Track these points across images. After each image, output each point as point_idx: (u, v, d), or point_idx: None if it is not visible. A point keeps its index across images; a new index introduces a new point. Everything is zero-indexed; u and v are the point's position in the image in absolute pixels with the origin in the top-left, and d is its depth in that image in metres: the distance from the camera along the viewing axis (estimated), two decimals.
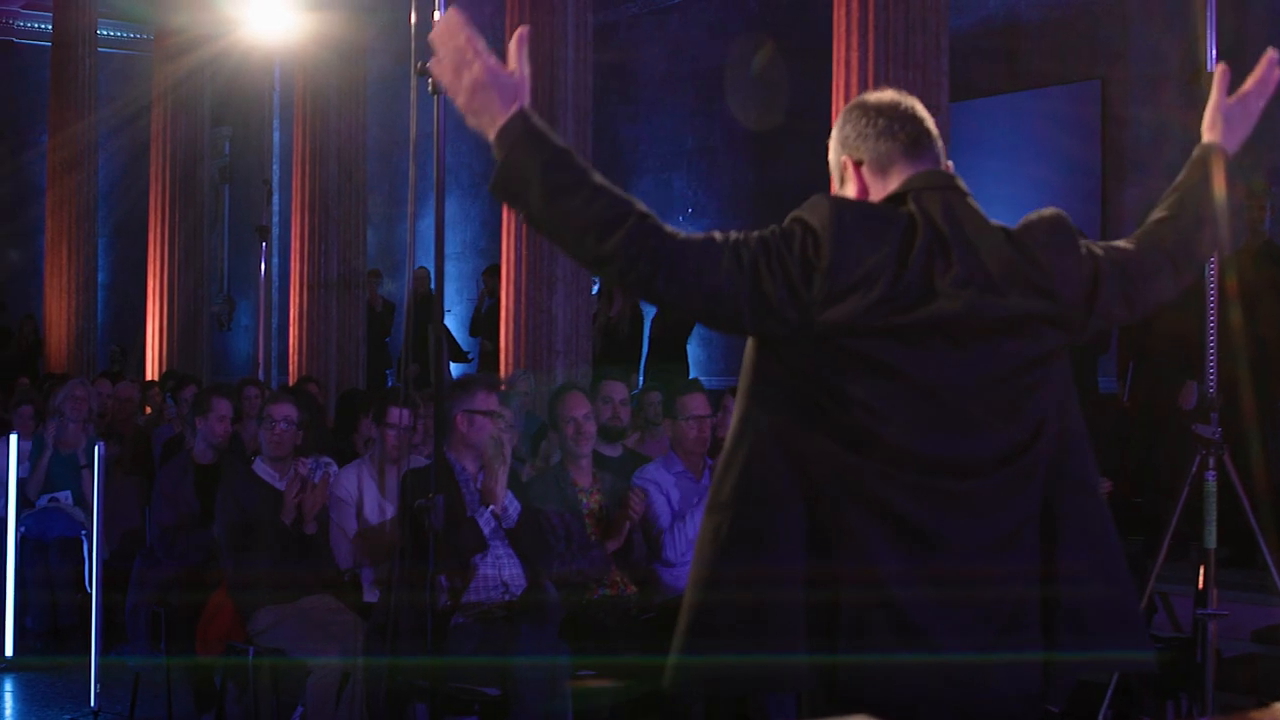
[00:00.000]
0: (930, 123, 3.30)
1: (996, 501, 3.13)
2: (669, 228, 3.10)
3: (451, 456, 6.69)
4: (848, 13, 9.92)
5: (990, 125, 13.16)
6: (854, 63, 9.86)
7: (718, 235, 3.12)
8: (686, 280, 3.05)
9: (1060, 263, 3.23)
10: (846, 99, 9.85)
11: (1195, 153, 3.63)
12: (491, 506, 6.57)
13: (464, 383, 6.92)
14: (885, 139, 3.26)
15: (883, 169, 3.26)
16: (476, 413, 6.69)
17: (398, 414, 7.43)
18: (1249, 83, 3.64)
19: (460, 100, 3.09)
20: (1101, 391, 11.21)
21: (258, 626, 7.09)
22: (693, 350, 15.53)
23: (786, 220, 3.11)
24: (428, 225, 20.05)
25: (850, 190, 3.29)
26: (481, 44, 3.06)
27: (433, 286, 18.22)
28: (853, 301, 3.02)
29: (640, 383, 14.62)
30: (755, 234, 3.10)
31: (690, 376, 15.00)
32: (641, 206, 3.09)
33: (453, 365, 17.50)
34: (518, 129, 3.08)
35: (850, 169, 3.30)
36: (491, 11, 15.95)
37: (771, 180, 15.36)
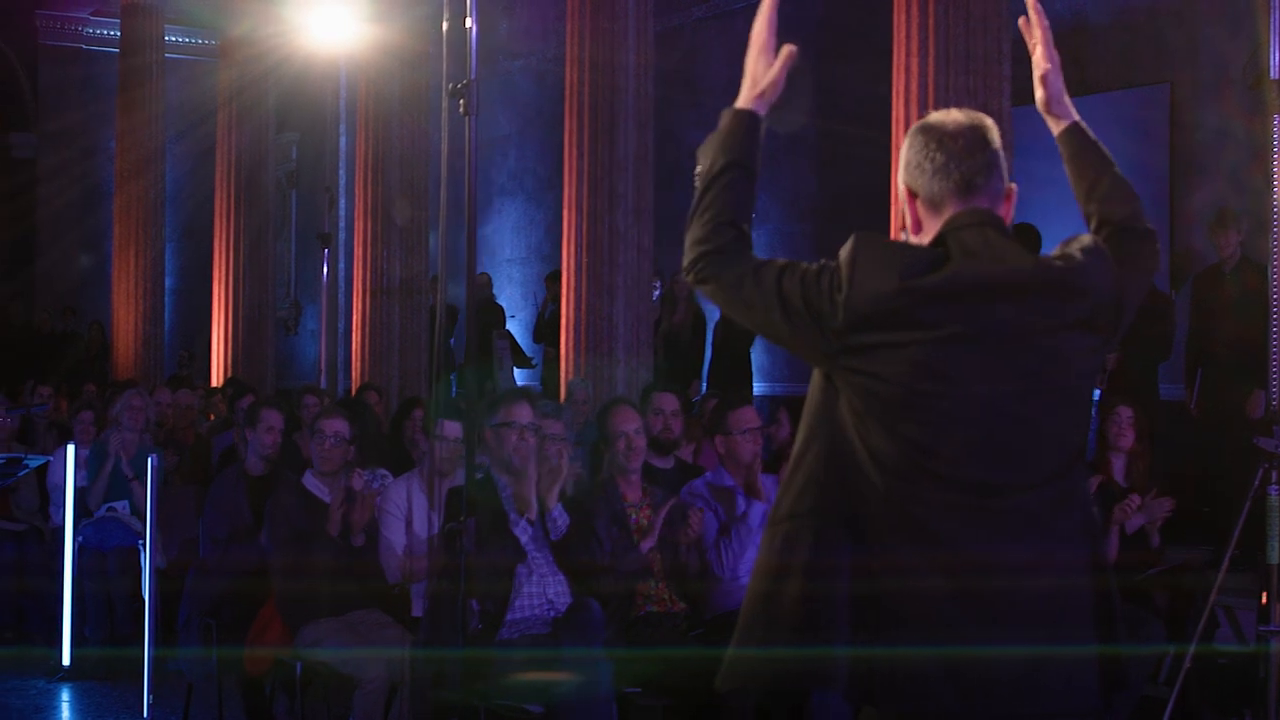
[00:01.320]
0: (994, 148, 3.33)
1: (1038, 516, 3.24)
2: (752, 255, 3.37)
3: (494, 472, 6.66)
4: (908, 17, 9.79)
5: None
6: (914, 68, 9.73)
7: (777, 260, 3.34)
8: (729, 289, 3.34)
9: (1089, 261, 3.32)
10: (907, 103, 9.74)
11: (1067, 146, 3.76)
12: (527, 514, 6.51)
13: (496, 397, 6.88)
14: (939, 178, 3.31)
15: (935, 207, 3.33)
16: (501, 426, 6.64)
17: (450, 427, 7.40)
18: (1031, 38, 3.75)
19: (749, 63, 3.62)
20: (1162, 398, 11.04)
21: (306, 640, 7.06)
22: (756, 357, 15.42)
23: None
24: (493, 230, 20.06)
25: (908, 218, 3.39)
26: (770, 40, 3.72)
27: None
28: (876, 327, 3.19)
29: (704, 389, 14.56)
30: (802, 264, 3.31)
31: (753, 384, 14.92)
32: (747, 231, 3.42)
33: (516, 372, 17.48)
34: (740, 118, 3.56)
35: (907, 200, 3.38)
36: (554, 16, 15.97)
37: (834, 186, 15.24)
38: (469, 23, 5.41)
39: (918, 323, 3.17)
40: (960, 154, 3.30)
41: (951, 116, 3.37)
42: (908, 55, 9.77)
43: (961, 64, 9.60)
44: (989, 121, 3.38)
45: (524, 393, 7.03)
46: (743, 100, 3.58)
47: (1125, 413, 8.35)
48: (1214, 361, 10.72)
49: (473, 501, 5.72)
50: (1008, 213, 3.36)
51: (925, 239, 3.32)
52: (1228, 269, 10.45)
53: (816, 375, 3.35)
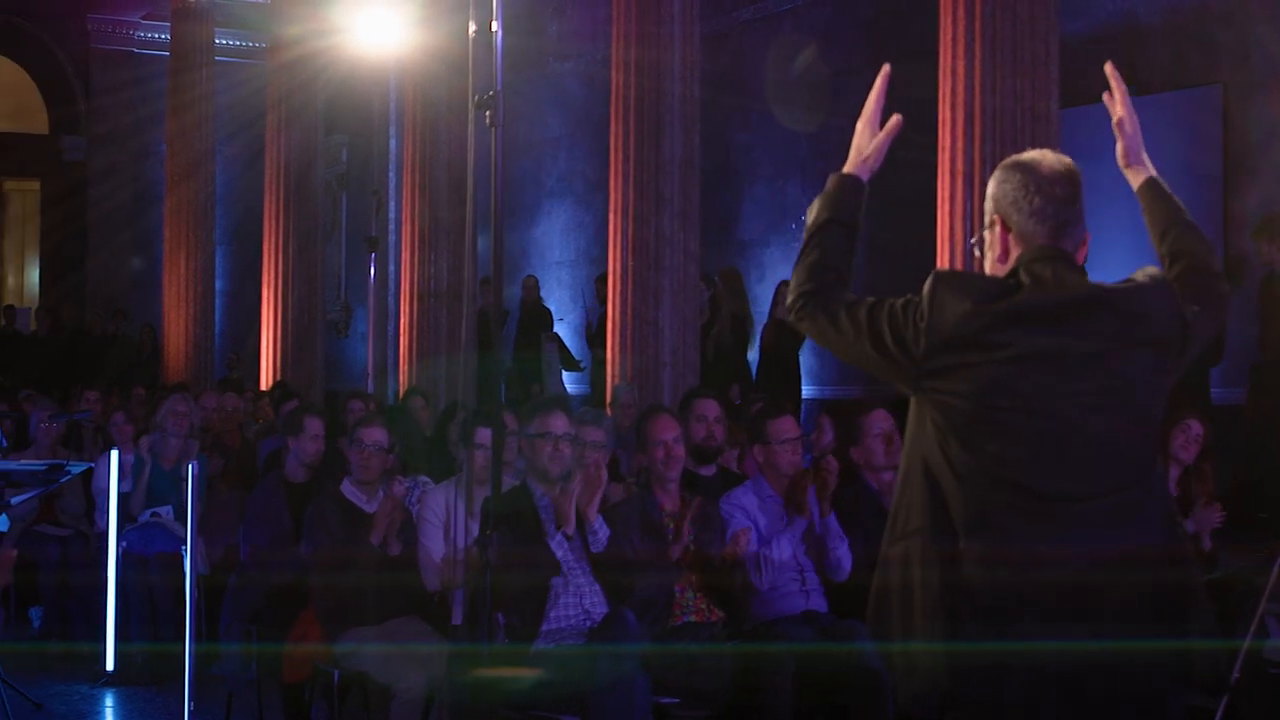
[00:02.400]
0: (1079, 192, 3.68)
1: (1107, 522, 3.53)
2: (847, 294, 3.75)
3: (530, 482, 6.62)
4: (954, 19, 9.70)
5: (1108, 132, 12.84)
6: (960, 70, 9.64)
7: (868, 299, 3.70)
8: (826, 326, 3.72)
9: (1148, 285, 3.68)
10: (953, 107, 9.65)
11: (1145, 198, 4.00)
12: (564, 529, 6.46)
13: (531, 406, 6.83)
14: (1035, 220, 3.65)
15: (1025, 243, 3.66)
16: (534, 437, 6.60)
17: (486, 434, 7.36)
18: (1113, 104, 4.05)
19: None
20: (1215, 403, 10.91)
21: (343, 648, 7.04)
22: (805, 360, 15.35)
23: None
24: (542, 232, 20.05)
25: (997, 246, 3.72)
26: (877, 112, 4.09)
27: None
28: (953, 350, 3.56)
29: (744, 393, 14.49)
30: (889, 300, 3.67)
31: (801, 387, 14.85)
32: (845, 277, 3.80)
33: (565, 375, 17.45)
34: (844, 181, 3.93)
35: (999, 229, 3.71)
36: (604, 18, 15.92)
37: (885, 188, 15.10)
38: (495, 27, 5.37)
39: (989, 344, 3.54)
40: (1059, 202, 3.66)
41: (1047, 160, 3.70)
42: (954, 58, 9.68)
43: (1009, 66, 9.50)
44: (1078, 169, 3.71)
45: (560, 401, 6.98)
46: (848, 166, 3.96)
47: (1196, 428, 8.28)
48: (1268, 366, 10.62)
49: (500, 514, 5.67)
50: (1082, 255, 3.68)
51: (1007, 269, 3.68)
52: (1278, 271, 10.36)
53: (911, 402, 3.71)
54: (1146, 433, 3.62)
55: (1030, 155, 3.74)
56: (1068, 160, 3.72)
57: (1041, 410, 3.51)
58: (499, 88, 5.30)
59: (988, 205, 3.76)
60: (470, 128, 5.37)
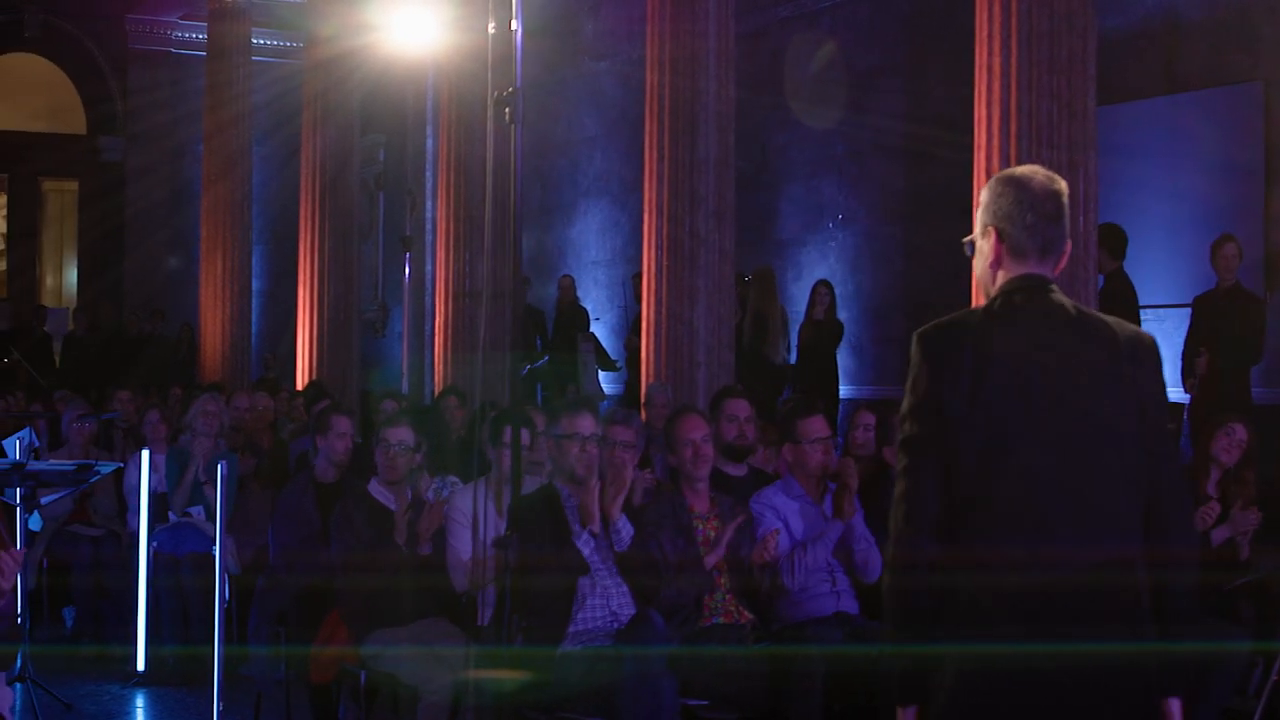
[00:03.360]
0: (1065, 210, 3.92)
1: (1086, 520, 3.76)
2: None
3: (557, 483, 6.57)
4: (990, 15, 9.59)
5: (1147, 129, 12.74)
6: (996, 67, 9.53)
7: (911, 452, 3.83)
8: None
9: (1120, 324, 3.92)
10: (989, 104, 9.54)
11: None
12: (589, 526, 6.40)
13: (558, 406, 6.77)
14: (1028, 234, 3.91)
15: (1015, 255, 3.92)
16: (561, 438, 6.54)
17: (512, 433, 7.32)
18: None
19: None
20: (1256, 403, 10.79)
21: (370, 649, 6.99)
22: (843, 360, 15.28)
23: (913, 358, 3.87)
24: (578, 232, 20.00)
25: (987, 249, 3.96)
26: None
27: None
28: (955, 398, 3.77)
29: (786, 393, 14.40)
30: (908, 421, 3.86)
31: (839, 386, 14.76)
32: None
33: (601, 375, 17.39)
34: None
35: (994, 238, 3.95)
36: (639, 17, 15.86)
37: (922, 186, 15.03)
38: (515, 25, 5.32)
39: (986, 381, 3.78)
40: (1048, 219, 3.91)
41: (1039, 177, 3.94)
42: (990, 54, 9.57)
43: (1045, 63, 9.39)
44: (1065, 187, 3.95)
45: (587, 402, 6.91)
46: None
47: (1240, 431, 8.20)
48: None
49: (527, 515, 5.61)
50: (1061, 266, 3.95)
51: (999, 277, 3.94)
52: None
53: None
54: (1126, 450, 3.82)
55: (1023, 171, 3.98)
56: (1057, 178, 3.97)
57: (1039, 443, 3.76)
58: (518, 85, 5.22)
59: (983, 215, 3.99)
60: (489, 125, 5.30)
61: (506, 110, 5.22)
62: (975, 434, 3.74)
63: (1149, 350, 3.88)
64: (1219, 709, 7.30)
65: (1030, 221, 3.89)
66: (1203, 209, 12.24)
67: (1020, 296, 3.89)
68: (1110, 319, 3.90)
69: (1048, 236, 3.91)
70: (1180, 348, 11.26)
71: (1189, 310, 11.41)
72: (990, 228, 3.95)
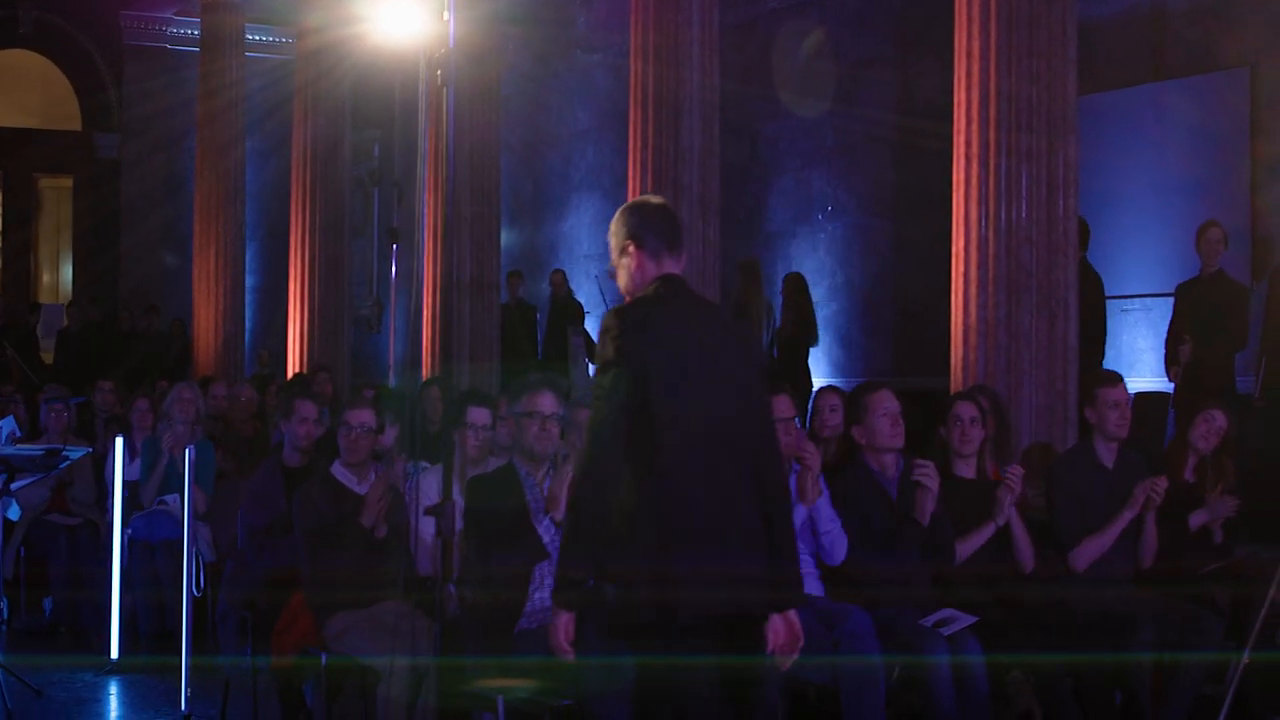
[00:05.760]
0: (678, 219, 5.13)
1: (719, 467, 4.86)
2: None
3: (517, 462, 6.48)
4: (969, 1, 9.54)
5: (1133, 116, 12.68)
6: (975, 52, 9.49)
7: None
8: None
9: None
10: (969, 91, 9.51)
11: None
12: (552, 514, 6.32)
13: (520, 384, 6.65)
14: (661, 242, 4.99)
15: (654, 257, 4.99)
16: (523, 415, 6.46)
17: (477, 414, 7.29)
18: None
19: None
20: (1239, 392, 10.72)
21: (332, 631, 6.94)
22: (832, 350, 15.21)
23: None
24: (570, 226, 19.93)
25: (633, 264, 5.00)
26: None
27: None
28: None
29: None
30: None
31: (812, 381, 14.67)
32: None
33: (591, 368, 17.32)
34: None
35: (633, 249, 4.99)
36: (629, 9, 15.80)
37: (911, 178, 14.96)
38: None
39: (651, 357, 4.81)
40: (671, 225, 5.05)
41: (652, 200, 5.13)
42: (969, 37, 9.53)
43: (1024, 48, 9.32)
44: (667, 202, 5.22)
45: (549, 380, 6.82)
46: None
47: (1219, 419, 8.15)
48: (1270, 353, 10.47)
49: (479, 493, 5.54)
50: (683, 264, 5.08)
51: (648, 277, 4.95)
52: None
53: None
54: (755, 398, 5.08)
55: (638, 200, 5.15)
56: (661, 199, 5.20)
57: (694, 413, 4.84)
58: (451, 45, 5.19)
59: (616, 240, 5.04)
60: (421, 87, 5.29)
61: (439, 72, 5.15)
62: (652, 386, 4.71)
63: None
64: (1192, 695, 7.24)
65: (660, 229, 5.00)
66: (1188, 196, 12.17)
67: (665, 288, 4.91)
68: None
69: (673, 241, 5.01)
70: (1165, 336, 11.19)
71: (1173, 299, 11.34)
72: (628, 244, 4.99)
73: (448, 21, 5.38)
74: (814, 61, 15.82)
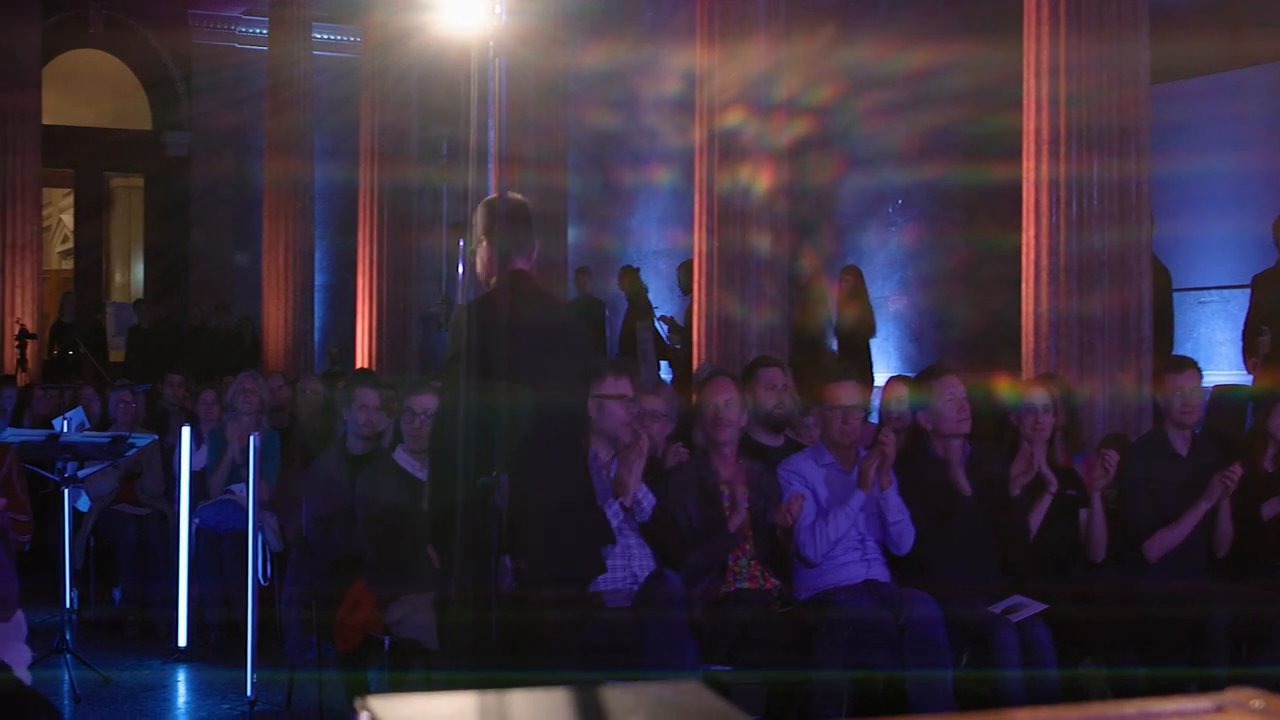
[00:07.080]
0: (530, 217, 5.71)
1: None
2: None
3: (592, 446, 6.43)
4: None
5: (1208, 105, 12.49)
6: (1045, 35, 9.36)
7: None
8: None
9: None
10: (1038, 74, 9.38)
11: None
12: (621, 498, 6.27)
13: (595, 367, 6.59)
14: (508, 238, 5.48)
15: (502, 257, 5.46)
16: (606, 397, 6.40)
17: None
18: None
19: None
20: None
21: (394, 617, 6.90)
22: (903, 346, 15.08)
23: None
24: (638, 222, 19.87)
25: (483, 261, 5.57)
26: None
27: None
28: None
29: None
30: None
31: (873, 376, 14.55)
32: None
33: (662, 363, 17.27)
34: None
35: (485, 248, 5.52)
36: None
37: (984, 172, 14.79)
38: None
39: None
40: (519, 223, 5.58)
41: (516, 198, 5.65)
42: (1038, 23, 9.40)
43: (1094, 31, 9.19)
44: (527, 201, 5.74)
45: (626, 365, 6.79)
46: None
47: None
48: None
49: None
50: (533, 260, 5.68)
51: (494, 275, 5.46)
52: None
53: None
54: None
55: (493, 196, 5.49)
56: (520, 196, 5.70)
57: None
58: (503, 19, 5.14)
59: (475, 231, 5.53)
60: (473, 65, 5.21)
61: (491, 45, 5.09)
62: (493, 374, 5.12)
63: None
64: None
65: (507, 226, 5.46)
66: (1267, 185, 11.98)
67: (510, 282, 5.40)
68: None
69: (519, 239, 5.54)
70: (1242, 328, 11.03)
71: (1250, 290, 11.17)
72: (482, 239, 5.49)
73: (499, 15, 5.26)
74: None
